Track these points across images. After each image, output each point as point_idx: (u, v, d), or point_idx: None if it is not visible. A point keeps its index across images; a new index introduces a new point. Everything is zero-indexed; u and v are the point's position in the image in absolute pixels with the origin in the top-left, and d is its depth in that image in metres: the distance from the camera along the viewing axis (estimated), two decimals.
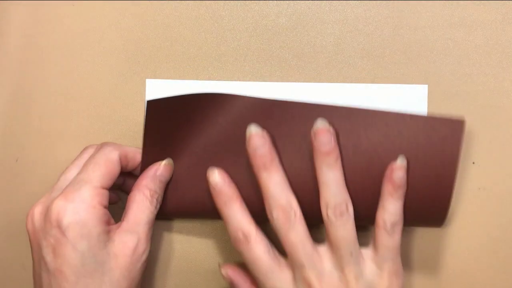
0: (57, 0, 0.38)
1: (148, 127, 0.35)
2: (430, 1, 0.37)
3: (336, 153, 0.32)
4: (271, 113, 0.34)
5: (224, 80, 0.37)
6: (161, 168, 0.34)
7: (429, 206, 0.33)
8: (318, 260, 0.32)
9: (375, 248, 0.32)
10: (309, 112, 0.33)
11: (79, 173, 0.32)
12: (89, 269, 0.30)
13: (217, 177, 0.33)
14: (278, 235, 0.32)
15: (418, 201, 0.33)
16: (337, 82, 0.37)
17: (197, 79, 0.37)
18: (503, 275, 0.36)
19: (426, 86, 0.36)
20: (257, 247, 0.32)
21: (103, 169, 0.32)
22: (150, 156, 0.35)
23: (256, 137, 0.32)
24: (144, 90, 0.38)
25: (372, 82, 0.37)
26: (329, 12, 0.37)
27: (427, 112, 0.36)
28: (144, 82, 0.38)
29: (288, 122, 0.33)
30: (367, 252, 0.32)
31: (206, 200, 0.34)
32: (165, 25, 0.38)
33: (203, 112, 0.35)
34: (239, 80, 0.37)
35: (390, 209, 0.32)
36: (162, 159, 0.35)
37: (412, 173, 0.32)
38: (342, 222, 0.31)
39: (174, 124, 0.35)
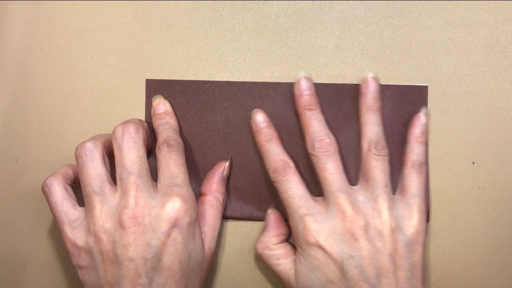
0: (57, 0, 0.38)
1: (148, 107, 0.37)
2: (430, 1, 0.37)
3: (379, 101, 0.36)
4: (266, 95, 0.37)
5: (224, 80, 0.37)
6: (226, 169, 0.36)
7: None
8: (352, 192, 0.34)
9: (403, 190, 0.34)
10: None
11: (177, 175, 0.33)
12: (191, 268, 0.32)
13: (261, 117, 0.36)
14: (317, 166, 0.34)
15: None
16: (337, 82, 0.37)
17: (197, 79, 0.37)
18: (503, 275, 0.36)
19: (427, 86, 0.37)
20: (295, 177, 0.34)
21: (187, 172, 0.34)
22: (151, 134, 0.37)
23: (306, 80, 0.36)
24: (144, 90, 0.38)
25: None
26: (329, 12, 0.37)
27: (429, 111, 0.37)
28: (144, 82, 0.38)
29: (285, 102, 0.37)
30: (396, 196, 0.35)
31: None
32: (165, 25, 0.38)
33: (203, 97, 0.37)
34: (239, 80, 0.37)
35: (418, 151, 0.35)
36: None
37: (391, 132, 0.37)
38: (382, 156, 0.34)
39: (173, 107, 0.37)
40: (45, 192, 0.33)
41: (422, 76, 0.37)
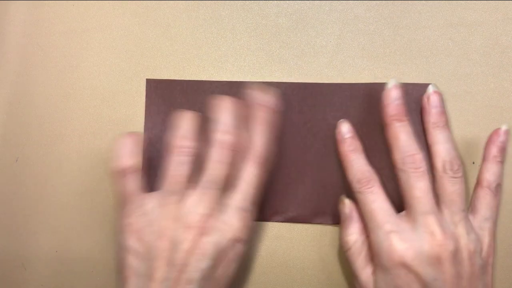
0: (57, 0, 0.38)
1: (148, 106, 0.37)
2: (430, 1, 0.37)
3: (446, 116, 0.34)
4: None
5: (224, 80, 0.37)
6: None
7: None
8: (438, 213, 0.32)
9: (475, 211, 0.34)
10: (305, 90, 0.37)
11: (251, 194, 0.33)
12: (227, 282, 0.33)
13: (347, 128, 0.35)
14: (406, 183, 0.32)
15: None
16: (337, 82, 0.37)
17: (197, 79, 0.37)
18: (503, 275, 0.36)
19: (430, 85, 0.36)
20: (380, 190, 0.33)
21: None
22: (151, 134, 0.37)
23: (397, 89, 0.34)
24: (144, 90, 0.38)
25: (373, 82, 0.37)
26: (329, 12, 0.37)
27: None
28: (144, 82, 0.38)
29: (285, 102, 0.37)
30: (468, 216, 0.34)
31: None
32: (165, 25, 0.38)
33: (203, 97, 0.37)
34: (239, 80, 0.37)
35: (495, 171, 0.34)
36: (162, 141, 0.36)
37: None
38: (458, 177, 0.33)
39: (174, 107, 0.37)
40: None
41: (422, 76, 0.37)
